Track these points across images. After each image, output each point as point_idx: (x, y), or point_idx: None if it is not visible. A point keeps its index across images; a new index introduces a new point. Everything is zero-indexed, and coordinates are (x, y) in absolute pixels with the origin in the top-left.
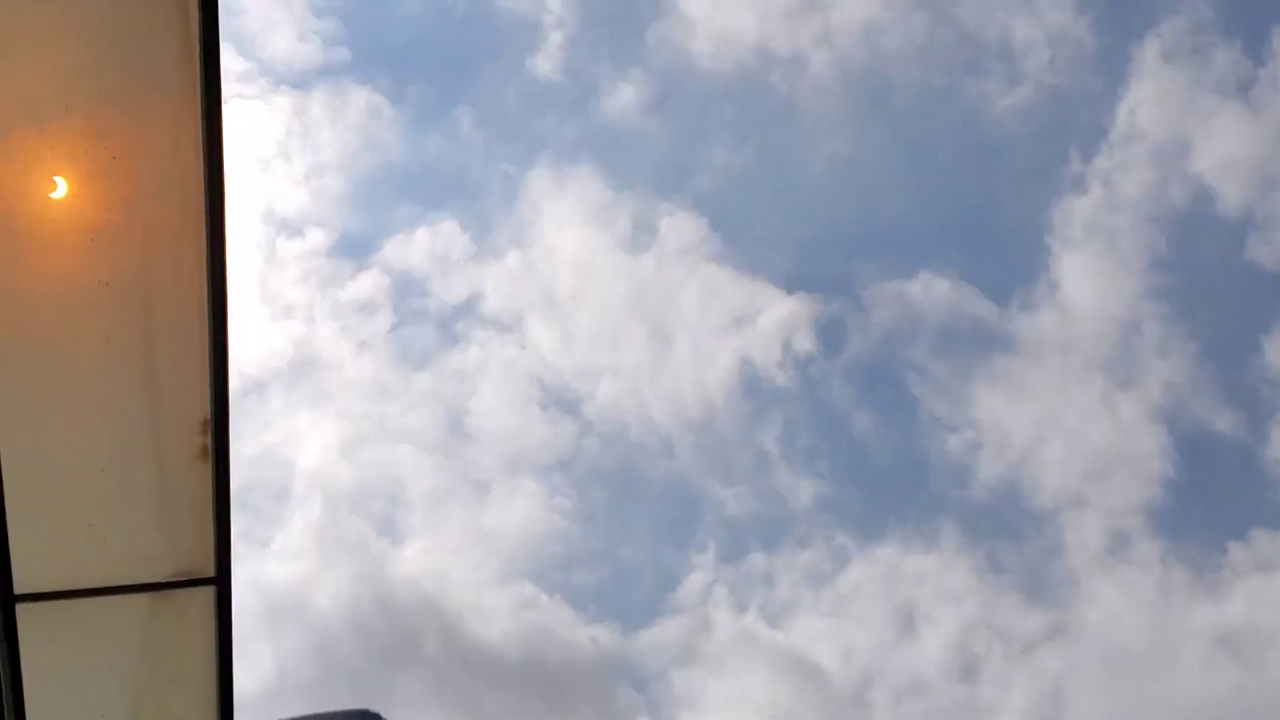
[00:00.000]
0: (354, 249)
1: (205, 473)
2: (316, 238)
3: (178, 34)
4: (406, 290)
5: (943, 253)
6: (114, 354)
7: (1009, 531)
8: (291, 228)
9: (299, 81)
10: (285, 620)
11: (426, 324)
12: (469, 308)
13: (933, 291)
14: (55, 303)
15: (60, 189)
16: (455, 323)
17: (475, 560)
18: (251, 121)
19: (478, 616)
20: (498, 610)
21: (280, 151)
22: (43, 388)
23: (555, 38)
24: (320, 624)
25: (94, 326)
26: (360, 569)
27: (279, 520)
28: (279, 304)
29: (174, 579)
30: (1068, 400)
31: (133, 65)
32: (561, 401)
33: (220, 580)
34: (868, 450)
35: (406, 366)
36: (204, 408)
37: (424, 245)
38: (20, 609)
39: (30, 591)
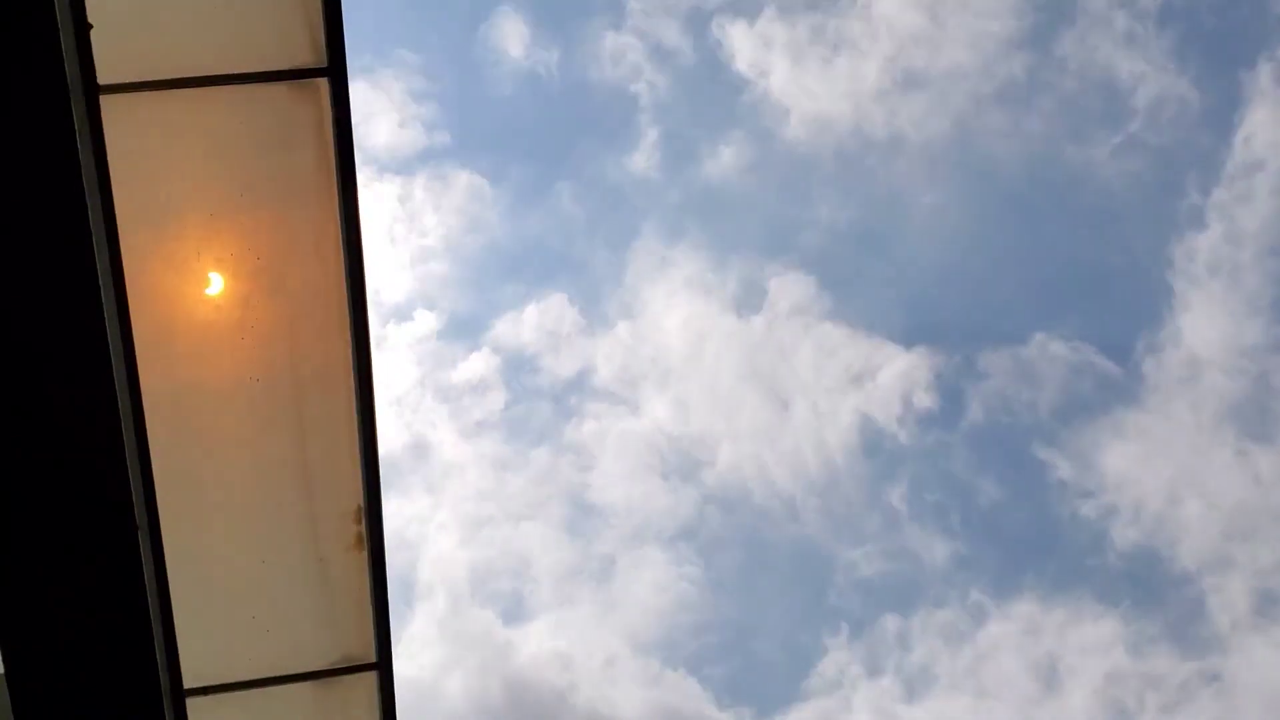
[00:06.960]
0: (463, 330)
1: (361, 560)
2: (426, 321)
3: (314, 138)
4: (518, 368)
5: (1059, 305)
6: (268, 448)
7: (1152, 597)
8: (400, 313)
9: (401, 168)
10: (418, 712)
11: (541, 400)
12: (582, 381)
13: (1049, 350)
14: (209, 400)
15: (210, 290)
16: (569, 397)
17: (603, 636)
18: (363, 211)
19: (607, 700)
20: (627, 691)
21: (387, 237)
22: (202, 484)
23: (650, 107)
24: (451, 713)
25: (248, 422)
26: (486, 654)
27: (405, 611)
28: (393, 390)
29: (337, 666)
30: (1201, 455)
31: (273, 169)
32: (681, 469)
33: (382, 665)
34: (995, 517)
35: (523, 444)
36: (357, 496)
37: (533, 322)
38: (191, 703)
39: (200, 685)
